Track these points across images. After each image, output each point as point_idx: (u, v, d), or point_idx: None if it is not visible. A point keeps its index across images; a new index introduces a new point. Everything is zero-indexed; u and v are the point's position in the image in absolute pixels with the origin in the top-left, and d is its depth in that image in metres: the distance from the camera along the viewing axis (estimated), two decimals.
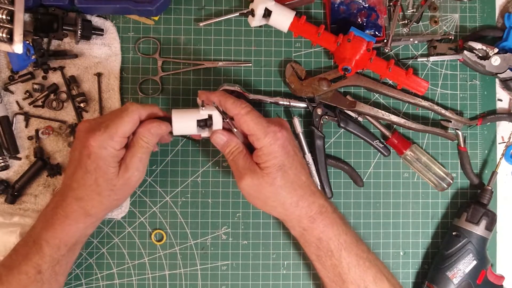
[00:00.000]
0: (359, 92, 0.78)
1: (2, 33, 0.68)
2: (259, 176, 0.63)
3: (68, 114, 0.74)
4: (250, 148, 0.66)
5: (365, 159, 0.77)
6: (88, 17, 0.74)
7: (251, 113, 0.63)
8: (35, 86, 0.73)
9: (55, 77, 0.74)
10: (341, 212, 0.69)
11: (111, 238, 0.74)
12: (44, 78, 0.74)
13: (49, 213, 0.63)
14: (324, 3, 0.77)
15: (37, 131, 0.74)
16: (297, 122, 0.74)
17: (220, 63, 0.76)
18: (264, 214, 0.76)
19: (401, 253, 0.77)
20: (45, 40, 0.73)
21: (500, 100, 0.79)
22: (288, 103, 0.74)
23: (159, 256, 0.75)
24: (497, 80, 0.79)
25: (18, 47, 0.68)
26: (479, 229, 0.72)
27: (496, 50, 0.74)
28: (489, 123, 0.78)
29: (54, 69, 0.74)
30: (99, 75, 0.74)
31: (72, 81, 0.74)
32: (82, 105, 0.74)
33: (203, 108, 0.65)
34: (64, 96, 0.74)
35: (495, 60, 0.74)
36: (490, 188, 0.75)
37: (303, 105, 0.75)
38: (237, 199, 0.76)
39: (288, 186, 0.63)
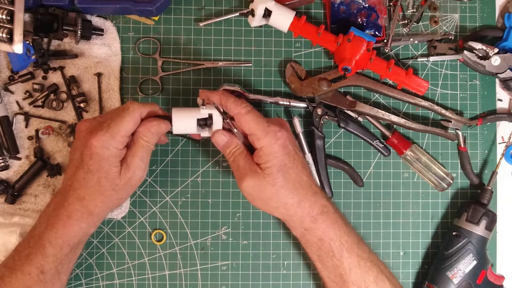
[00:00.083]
0: (359, 92, 0.78)
1: (2, 33, 0.68)
2: (260, 177, 0.63)
3: (68, 114, 0.74)
4: (250, 148, 0.66)
5: (365, 159, 0.77)
6: (88, 17, 0.74)
7: (251, 112, 0.63)
8: (35, 86, 0.73)
9: (55, 77, 0.74)
10: (342, 212, 0.69)
11: (111, 238, 0.74)
12: (44, 78, 0.74)
13: (51, 213, 0.62)
14: (324, 3, 0.77)
15: (37, 131, 0.74)
16: (297, 122, 0.74)
17: (220, 63, 0.76)
18: (264, 214, 0.76)
19: (401, 253, 0.77)
20: (45, 40, 0.73)
21: (500, 100, 0.79)
22: (288, 103, 0.74)
23: (159, 256, 0.75)
24: (497, 80, 0.79)
25: (18, 47, 0.68)
26: (479, 229, 0.72)
27: (496, 50, 0.74)
28: (489, 123, 0.78)
29: (54, 69, 0.74)
30: (99, 75, 0.74)
31: (72, 81, 0.74)
32: (82, 105, 0.74)
33: (204, 107, 0.64)
34: (64, 96, 0.74)
35: (495, 60, 0.74)
36: (490, 188, 0.75)
37: (303, 105, 0.75)
38: (237, 199, 0.76)
39: (290, 186, 0.63)
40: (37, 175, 0.73)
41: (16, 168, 0.73)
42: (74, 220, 0.61)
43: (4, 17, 0.68)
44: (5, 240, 0.70)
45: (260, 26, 0.76)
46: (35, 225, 0.63)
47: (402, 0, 0.77)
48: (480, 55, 0.75)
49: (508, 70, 0.74)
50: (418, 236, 0.77)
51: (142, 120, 0.63)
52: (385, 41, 0.75)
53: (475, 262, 0.72)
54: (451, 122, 0.76)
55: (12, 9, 0.68)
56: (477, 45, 0.74)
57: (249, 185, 0.63)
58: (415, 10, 0.78)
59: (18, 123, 0.74)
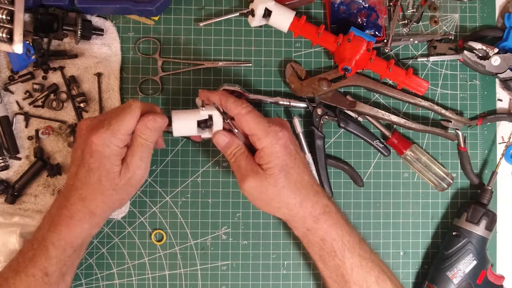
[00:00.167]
0: (359, 92, 0.78)
1: (2, 33, 0.68)
2: (262, 177, 0.63)
3: (68, 114, 0.74)
4: (250, 149, 0.66)
5: (365, 159, 0.77)
6: (88, 17, 0.74)
7: (252, 113, 0.63)
8: (35, 86, 0.73)
9: (55, 77, 0.74)
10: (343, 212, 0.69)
11: (111, 238, 0.74)
12: (44, 78, 0.74)
13: (53, 214, 0.62)
14: (324, 3, 0.77)
15: (37, 131, 0.74)
16: (297, 122, 0.74)
17: (220, 63, 0.76)
18: (264, 214, 0.76)
19: (401, 253, 0.77)
20: (45, 40, 0.73)
21: (500, 100, 0.79)
22: (288, 103, 0.74)
23: (159, 256, 0.75)
24: (497, 80, 0.79)
25: (18, 47, 0.68)
26: (479, 229, 0.72)
27: (496, 50, 0.74)
28: (489, 123, 0.78)
29: (54, 69, 0.74)
30: (99, 75, 0.74)
31: (72, 81, 0.74)
32: (82, 105, 0.74)
33: (203, 108, 0.64)
34: (64, 96, 0.74)
35: (495, 60, 0.74)
36: (490, 188, 0.75)
37: (303, 105, 0.75)
38: (237, 199, 0.76)
39: (292, 186, 0.63)
40: (37, 175, 0.73)
41: (16, 168, 0.73)
42: (76, 221, 0.61)
43: (4, 17, 0.68)
44: (5, 240, 0.70)
45: (260, 26, 0.76)
46: (39, 226, 0.63)
47: (402, 0, 0.77)
48: (480, 55, 0.75)
49: (508, 70, 0.74)
50: (418, 236, 0.77)
51: None
52: (385, 41, 0.75)
53: (475, 262, 0.72)
54: (451, 122, 0.76)
55: (12, 9, 0.68)
56: (477, 45, 0.74)
57: (251, 185, 0.63)
58: (415, 10, 0.78)
59: (18, 123, 0.74)
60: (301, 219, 0.64)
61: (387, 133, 0.75)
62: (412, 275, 0.77)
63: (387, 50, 0.76)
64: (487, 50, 0.74)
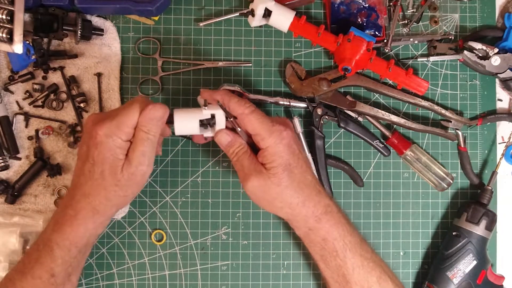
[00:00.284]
0: (359, 92, 0.78)
1: (2, 33, 0.68)
2: (265, 177, 0.62)
3: (68, 114, 0.74)
4: (252, 148, 0.66)
5: (365, 159, 0.77)
6: (88, 17, 0.74)
7: (256, 112, 0.63)
8: (35, 86, 0.73)
9: (55, 77, 0.74)
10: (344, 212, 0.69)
11: (111, 238, 0.74)
12: (44, 78, 0.74)
13: (59, 214, 0.62)
14: (324, 3, 0.77)
15: (37, 131, 0.74)
16: (297, 122, 0.74)
17: (220, 63, 0.76)
18: (264, 214, 0.76)
19: (401, 253, 0.77)
20: (45, 40, 0.73)
21: (500, 100, 0.79)
22: (288, 103, 0.74)
23: (159, 256, 0.75)
24: (497, 80, 0.79)
25: (18, 47, 0.68)
26: (479, 229, 0.72)
27: (496, 50, 0.74)
28: (489, 123, 0.78)
29: (54, 69, 0.74)
30: (99, 75, 0.74)
31: (72, 81, 0.74)
32: (82, 105, 0.74)
33: (206, 107, 0.63)
34: (64, 96, 0.74)
35: (495, 60, 0.74)
36: (490, 188, 0.75)
37: (303, 105, 0.75)
38: (237, 199, 0.76)
39: (295, 186, 0.63)
40: (37, 175, 0.73)
41: (16, 168, 0.73)
42: (80, 220, 0.61)
43: (4, 17, 0.68)
44: (5, 240, 0.70)
45: (260, 26, 0.76)
46: (46, 227, 0.63)
47: (402, 0, 0.77)
48: (480, 55, 0.75)
49: (508, 70, 0.74)
50: (418, 236, 0.77)
51: None
52: (385, 41, 0.75)
53: (475, 262, 0.72)
54: (451, 122, 0.76)
55: (12, 9, 0.68)
56: (477, 45, 0.74)
57: (254, 185, 0.63)
58: (415, 10, 0.78)
59: (18, 123, 0.74)
60: (303, 219, 0.64)
61: (387, 133, 0.75)
62: (412, 275, 0.77)
63: (387, 50, 0.76)
64: (487, 50, 0.74)
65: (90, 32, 0.73)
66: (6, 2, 0.68)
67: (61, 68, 0.74)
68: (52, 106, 0.74)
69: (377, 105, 0.77)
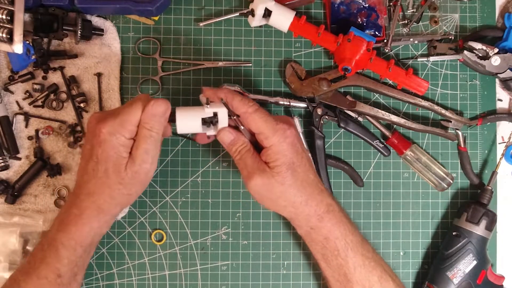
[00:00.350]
0: (359, 92, 0.78)
1: (2, 33, 0.68)
2: (269, 175, 0.62)
3: (68, 114, 0.74)
4: (254, 147, 0.65)
5: (365, 159, 0.77)
6: (88, 17, 0.74)
7: (259, 111, 0.62)
8: (35, 86, 0.73)
9: (55, 77, 0.74)
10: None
11: (111, 238, 0.74)
12: (44, 78, 0.74)
13: (64, 213, 0.62)
14: (324, 3, 0.77)
15: (37, 131, 0.74)
16: (297, 122, 0.74)
17: (220, 63, 0.76)
18: (264, 214, 0.76)
19: (401, 253, 0.77)
20: (45, 40, 0.73)
21: (500, 100, 0.79)
22: (288, 103, 0.74)
23: (159, 256, 0.75)
24: (497, 80, 0.79)
25: (18, 47, 0.68)
26: (479, 229, 0.72)
27: (496, 50, 0.74)
28: (489, 123, 0.78)
29: (54, 69, 0.74)
30: (99, 75, 0.74)
31: (72, 81, 0.74)
32: (82, 105, 0.74)
33: (208, 105, 0.63)
34: (64, 96, 0.74)
35: (495, 60, 0.74)
36: (490, 188, 0.75)
37: (303, 105, 0.75)
38: (237, 199, 0.76)
39: (298, 185, 0.63)
40: (37, 175, 0.73)
41: (16, 168, 0.73)
42: (85, 219, 0.61)
43: (4, 17, 0.68)
44: (5, 240, 0.70)
45: (260, 26, 0.76)
46: (49, 227, 0.63)
47: (402, 0, 0.77)
48: (480, 55, 0.75)
49: (508, 70, 0.74)
50: (418, 236, 0.77)
51: None
52: (385, 41, 0.75)
53: (475, 262, 0.72)
54: (451, 122, 0.76)
55: (12, 9, 0.68)
56: (477, 45, 0.74)
57: (257, 183, 0.62)
58: (415, 10, 0.78)
59: (18, 123, 0.74)
60: (305, 218, 0.64)
61: (387, 133, 0.76)
62: (412, 275, 0.77)
63: (387, 50, 0.76)
64: (487, 50, 0.74)
65: (90, 32, 0.73)
66: (6, 2, 0.68)
67: (61, 68, 0.74)
68: (52, 106, 0.74)
69: (377, 105, 0.77)
